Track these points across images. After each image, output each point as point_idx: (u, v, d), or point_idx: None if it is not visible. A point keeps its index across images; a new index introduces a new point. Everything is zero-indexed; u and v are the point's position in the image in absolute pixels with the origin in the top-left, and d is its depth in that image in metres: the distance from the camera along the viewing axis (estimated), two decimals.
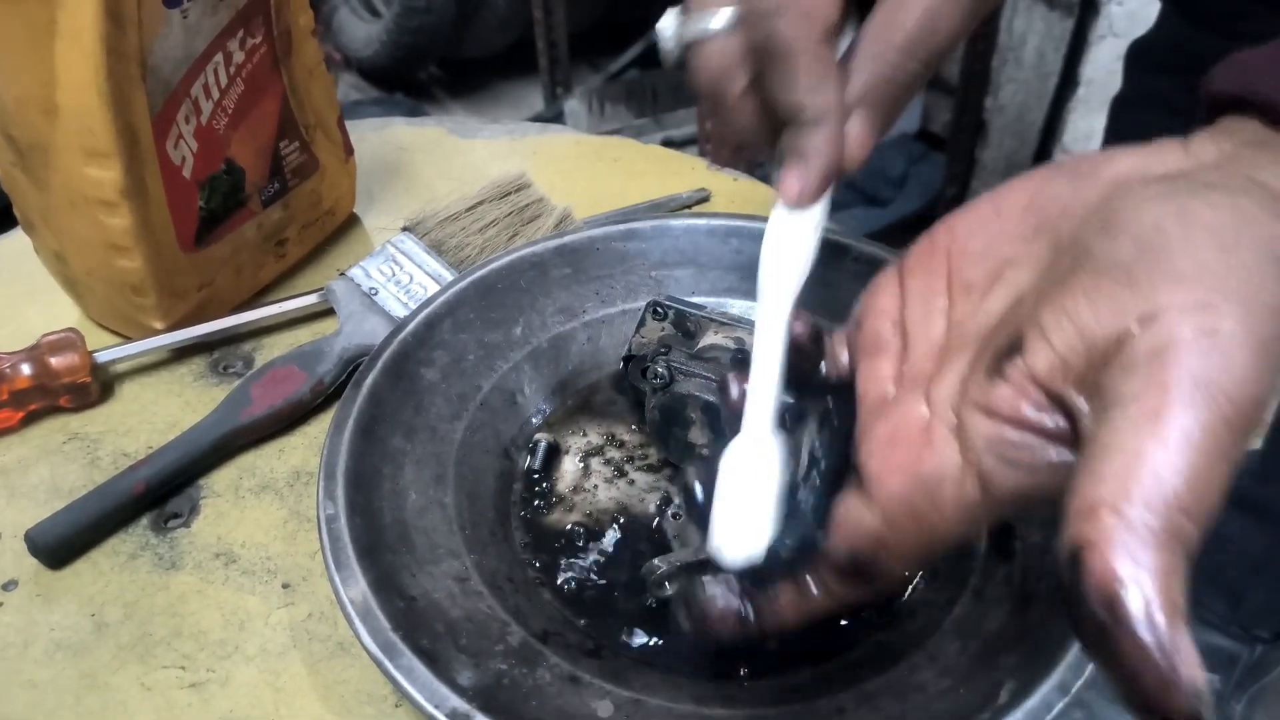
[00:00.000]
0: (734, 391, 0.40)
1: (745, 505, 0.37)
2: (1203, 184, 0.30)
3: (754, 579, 0.37)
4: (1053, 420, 0.29)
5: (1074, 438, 0.29)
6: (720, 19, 0.43)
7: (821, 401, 0.39)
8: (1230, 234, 0.28)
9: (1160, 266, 0.28)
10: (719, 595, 0.37)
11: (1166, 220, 0.29)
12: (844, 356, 0.40)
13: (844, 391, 0.39)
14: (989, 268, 0.36)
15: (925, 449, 0.33)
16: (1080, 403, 0.29)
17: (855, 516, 0.34)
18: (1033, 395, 0.30)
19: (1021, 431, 0.30)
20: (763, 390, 0.40)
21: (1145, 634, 0.24)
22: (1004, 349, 0.31)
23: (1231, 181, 0.30)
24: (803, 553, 0.36)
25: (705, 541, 0.37)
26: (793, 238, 0.43)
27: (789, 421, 0.40)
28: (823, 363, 0.41)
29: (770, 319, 0.41)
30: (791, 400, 0.40)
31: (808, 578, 0.36)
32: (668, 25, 0.44)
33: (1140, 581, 0.24)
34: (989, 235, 0.36)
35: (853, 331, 0.40)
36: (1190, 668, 0.24)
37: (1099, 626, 0.25)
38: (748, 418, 0.40)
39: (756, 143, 0.46)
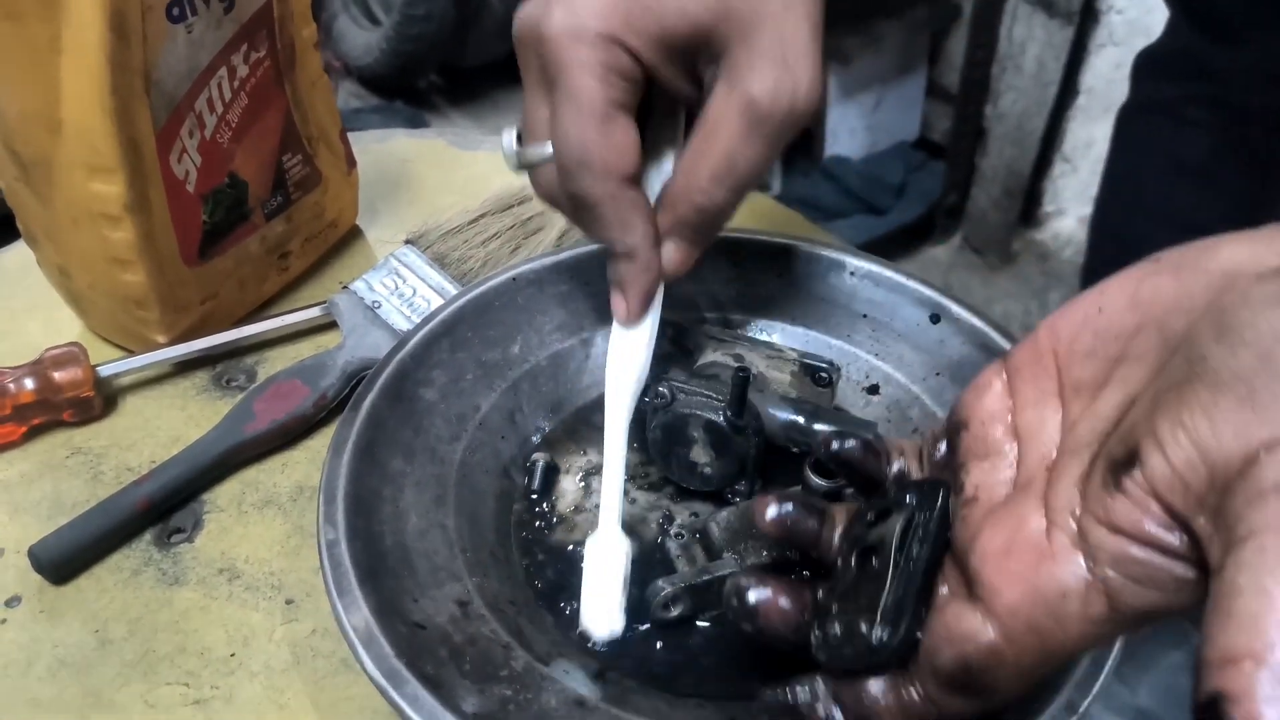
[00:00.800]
0: (771, 512, 0.41)
1: (602, 592, 0.45)
2: None
3: (846, 673, 0.36)
4: (1176, 537, 0.28)
5: (1198, 557, 0.28)
6: (544, 152, 0.47)
7: (905, 501, 0.38)
8: None
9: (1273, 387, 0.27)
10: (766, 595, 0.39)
11: None
12: (914, 458, 0.41)
13: (929, 489, 0.38)
14: (1098, 368, 0.34)
15: (1046, 560, 0.31)
16: (1203, 524, 0.27)
17: (967, 626, 0.33)
18: (1154, 510, 0.29)
19: (1145, 547, 0.29)
20: (610, 489, 0.48)
21: None
22: (1121, 459, 0.30)
23: None
24: (897, 653, 0.34)
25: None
26: (627, 350, 0.49)
27: (873, 516, 0.39)
28: (896, 462, 0.41)
29: (613, 422, 0.49)
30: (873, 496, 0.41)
31: (908, 685, 0.35)
32: (508, 143, 0.49)
33: None
34: (1095, 333, 0.35)
35: (958, 434, 0.38)
36: None
37: None
38: (601, 515, 0.47)
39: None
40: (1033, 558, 0.32)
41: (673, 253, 0.48)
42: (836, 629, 0.36)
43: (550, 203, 0.50)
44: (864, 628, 0.35)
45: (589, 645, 0.45)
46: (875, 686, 0.35)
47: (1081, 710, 0.38)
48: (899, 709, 0.35)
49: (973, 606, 0.33)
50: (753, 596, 0.39)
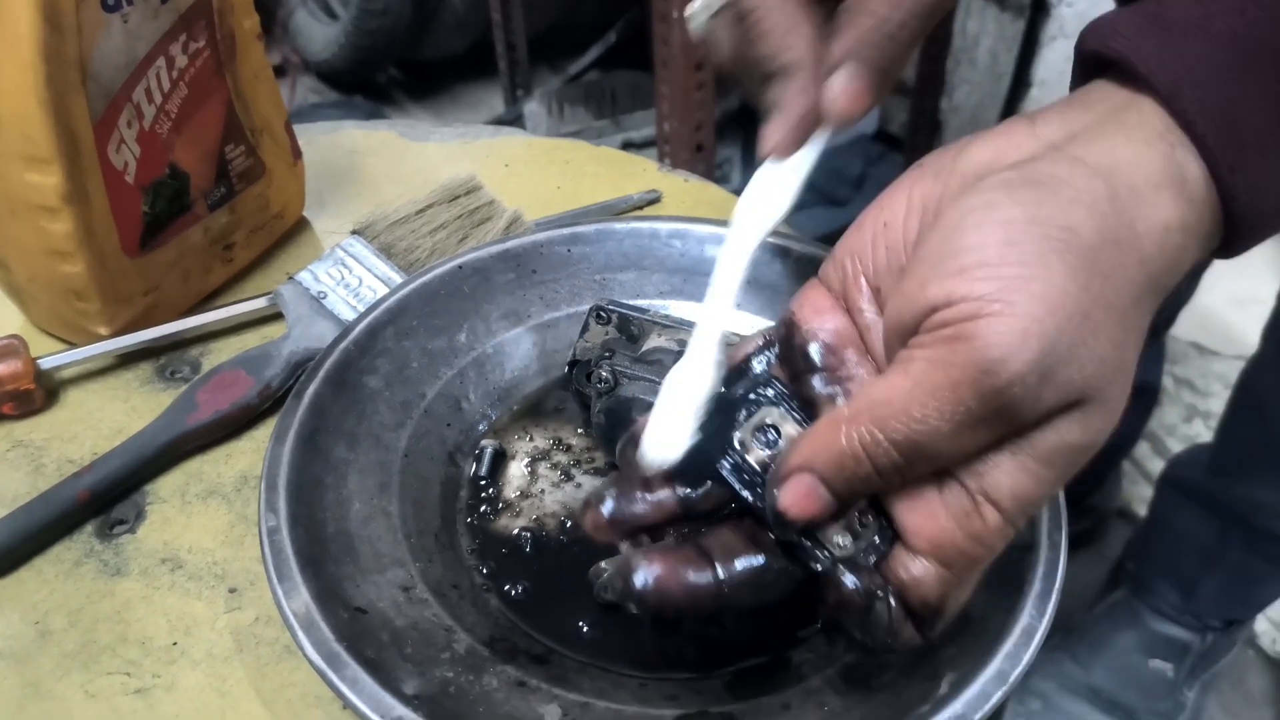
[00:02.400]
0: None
1: (673, 416, 0.40)
2: (1025, 178, 0.33)
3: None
4: None
5: None
6: None
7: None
8: (1020, 227, 0.32)
9: (950, 260, 0.32)
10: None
11: (970, 216, 0.33)
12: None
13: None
14: (897, 277, 0.37)
15: (945, 492, 0.35)
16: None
17: (919, 574, 0.35)
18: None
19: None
20: (714, 311, 0.43)
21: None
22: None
23: (1058, 169, 0.33)
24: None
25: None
26: (768, 185, 0.45)
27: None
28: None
29: (732, 256, 0.44)
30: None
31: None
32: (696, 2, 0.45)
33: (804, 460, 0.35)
34: (887, 246, 0.38)
35: (796, 342, 0.40)
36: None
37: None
38: (696, 342, 0.42)
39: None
40: (930, 491, 0.35)
41: (845, 81, 0.42)
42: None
43: (729, 65, 0.46)
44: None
45: (647, 467, 0.40)
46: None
47: (1012, 680, 0.39)
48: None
49: (913, 556, 0.35)
50: (640, 578, 0.38)
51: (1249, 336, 0.97)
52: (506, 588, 0.48)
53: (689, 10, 0.46)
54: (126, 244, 0.57)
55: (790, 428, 0.38)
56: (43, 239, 0.54)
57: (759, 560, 0.38)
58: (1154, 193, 0.33)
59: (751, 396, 0.39)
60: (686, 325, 0.55)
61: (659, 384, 0.49)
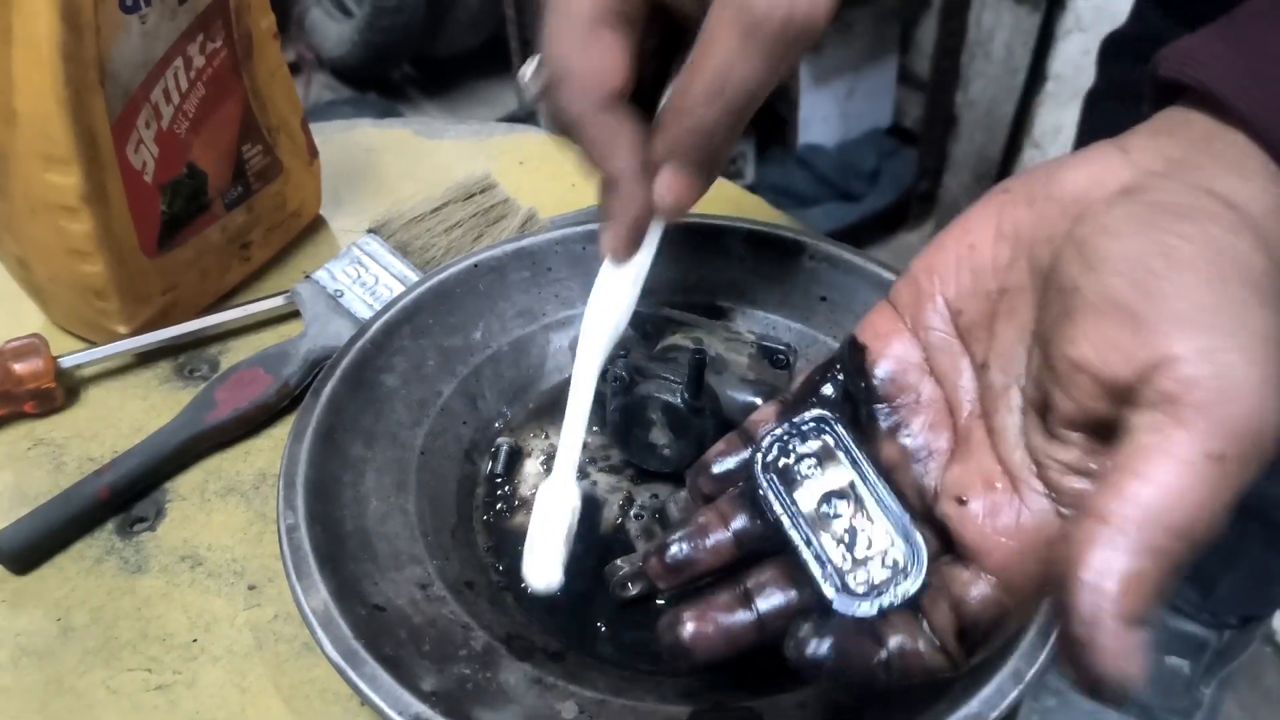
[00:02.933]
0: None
1: (545, 542, 0.42)
2: (1162, 210, 0.32)
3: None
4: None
5: None
6: (541, 74, 0.44)
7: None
8: (1213, 268, 0.30)
9: (1161, 309, 0.30)
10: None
11: (1151, 258, 0.31)
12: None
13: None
14: (983, 304, 0.37)
15: (1023, 513, 0.34)
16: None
17: (967, 588, 0.35)
18: (1088, 447, 0.32)
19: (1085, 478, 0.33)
20: (570, 438, 0.45)
21: (1081, 629, 0.27)
22: (1040, 408, 0.34)
23: (1192, 200, 0.32)
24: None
25: None
26: (609, 291, 0.46)
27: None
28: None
29: (582, 368, 0.45)
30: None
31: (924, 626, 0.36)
32: (523, 72, 0.46)
33: (1101, 581, 0.27)
34: (972, 271, 0.37)
35: (861, 359, 0.40)
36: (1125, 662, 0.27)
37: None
38: (557, 462, 0.44)
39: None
40: (1009, 512, 0.34)
41: (668, 182, 0.43)
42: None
43: (557, 132, 0.46)
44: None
45: (529, 592, 0.43)
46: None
47: (1028, 679, 0.39)
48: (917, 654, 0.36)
49: (963, 566, 0.35)
50: (686, 630, 0.38)
51: None
52: (523, 585, 0.48)
53: (521, 75, 0.46)
54: (145, 243, 0.57)
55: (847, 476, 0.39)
56: (62, 238, 0.54)
57: (794, 595, 0.38)
58: (1275, 224, 0.32)
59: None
60: (701, 323, 0.55)
61: (674, 382, 0.50)
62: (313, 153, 0.68)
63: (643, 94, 0.44)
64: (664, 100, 0.44)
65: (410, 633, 0.43)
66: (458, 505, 0.51)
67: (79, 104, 0.50)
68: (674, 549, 0.40)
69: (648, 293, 0.59)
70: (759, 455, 0.40)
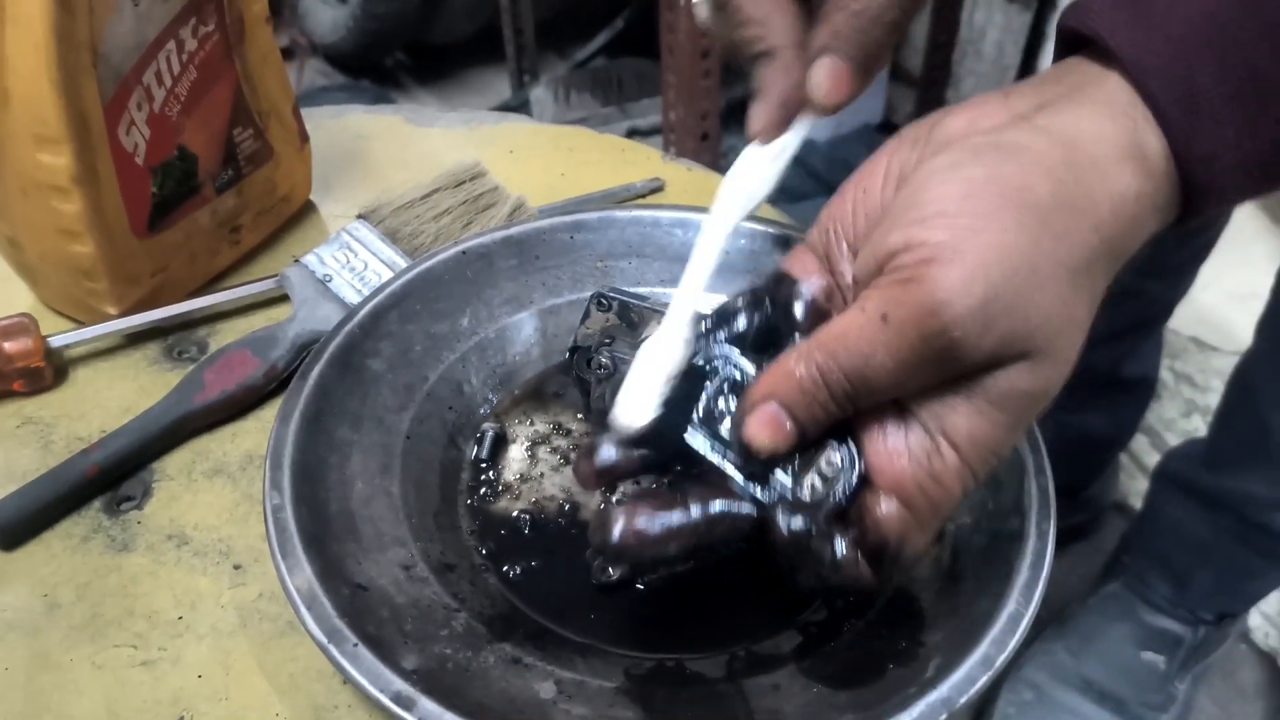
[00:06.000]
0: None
1: (645, 381, 0.41)
2: (990, 143, 0.35)
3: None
4: None
5: None
6: None
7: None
8: (979, 184, 0.34)
9: (910, 214, 0.35)
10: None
11: (935, 174, 0.35)
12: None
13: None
14: None
15: (908, 435, 0.37)
16: None
17: (878, 507, 0.37)
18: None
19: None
20: (689, 287, 0.44)
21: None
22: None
23: (1020, 136, 0.35)
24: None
25: None
26: (752, 165, 0.46)
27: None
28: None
29: (713, 228, 0.45)
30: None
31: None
32: None
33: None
34: (865, 214, 0.40)
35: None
36: None
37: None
38: (670, 311, 0.43)
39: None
40: (899, 436, 0.37)
41: (828, 70, 0.42)
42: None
43: (727, 51, 0.47)
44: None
45: (616, 431, 0.41)
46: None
47: (998, 664, 0.40)
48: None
49: (871, 489, 0.37)
50: (619, 526, 0.39)
51: (1248, 332, 0.98)
52: (505, 568, 0.49)
53: None
54: (135, 225, 0.57)
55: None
56: (53, 218, 0.54)
57: (732, 502, 0.39)
58: (1114, 164, 0.35)
59: (718, 365, 0.41)
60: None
61: None
62: (303, 138, 0.68)
63: None
64: None
65: (392, 612, 0.44)
66: (442, 489, 0.52)
67: (71, 85, 0.50)
68: (603, 452, 0.41)
69: (636, 282, 0.60)
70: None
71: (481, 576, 0.48)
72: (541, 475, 0.53)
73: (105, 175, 0.54)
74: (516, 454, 0.55)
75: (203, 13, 0.56)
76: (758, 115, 0.45)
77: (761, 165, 0.46)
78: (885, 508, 0.37)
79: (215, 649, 0.46)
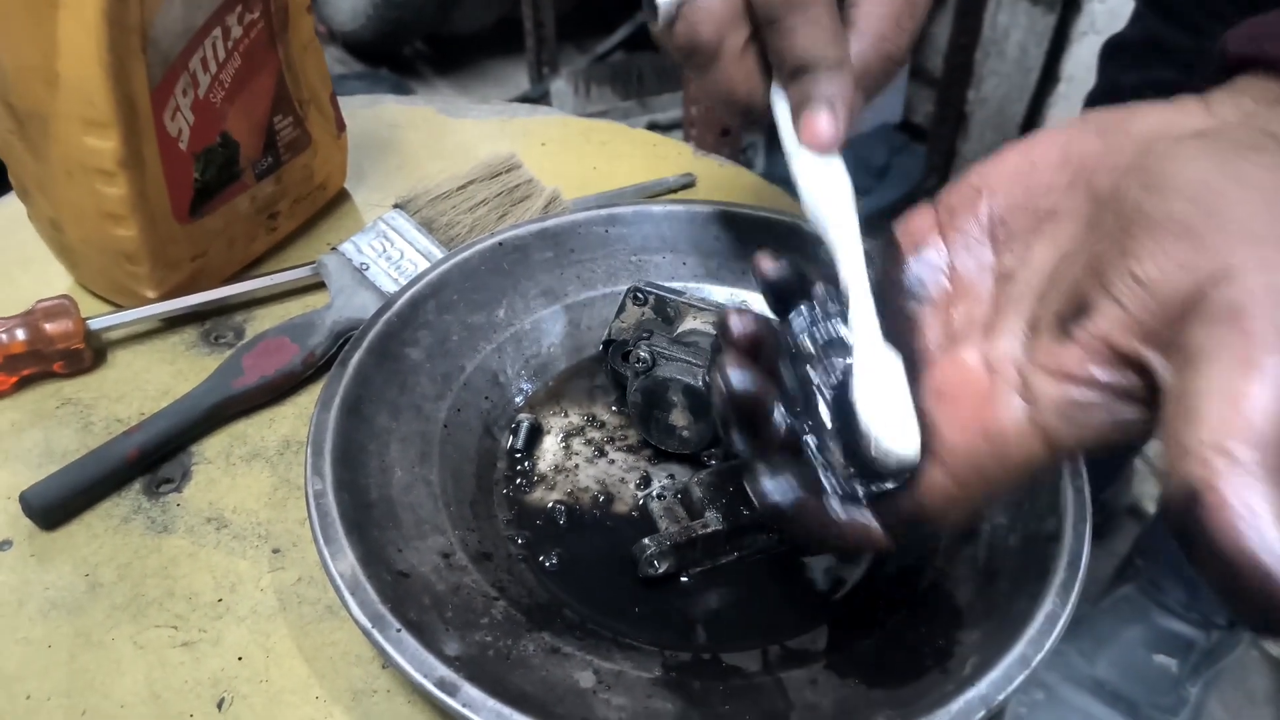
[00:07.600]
0: (735, 326, 0.40)
1: (891, 401, 0.37)
2: (1235, 142, 0.32)
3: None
4: (1125, 379, 0.31)
5: (1146, 394, 0.31)
6: None
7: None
8: (1276, 192, 0.30)
9: (1223, 225, 0.30)
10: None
11: (1216, 179, 0.31)
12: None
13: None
14: (1029, 220, 0.37)
15: (991, 408, 0.34)
16: (1157, 360, 0.30)
17: (922, 474, 0.36)
18: (1104, 356, 0.32)
19: (1091, 391, 0.32)
20: (862, 307, 0.41)
21: (1267, 560, 0.26)
22: (1069, 312, 0.33)
23: (1258, 140, 0.32)
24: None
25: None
26: (832, 176, 0.45)
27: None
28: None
29: (846, 243, 0.43)
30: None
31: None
32: None
33: (1258, 516, 0.26)
34: (1027, 188, 0.37)
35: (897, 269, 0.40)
36: None
37: (1223, 559, 0.26)
38: (859, 335, 0.40)
39: (747, 112, 0.47)
40: (978, 406, 0.35)
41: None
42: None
43: (712, 43, 0.45)
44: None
45: (884, 464, 0.37)
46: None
47: (1035, 664, 0.40)
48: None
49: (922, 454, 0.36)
50: (734, 380, 0.38)
51: None
52: (541, 558, 0.49)
53: None
54: (177, 210, 0.58)
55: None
56: (97, 201, 0.55)
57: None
58: None
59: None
60: (722, 309, 0.56)
61: (696, 365, 0.51)
62: (340, 126, 0.69)
63: None
64: None
65: (433, 599, 0.44)
66: (478, 478, 0.52)
67: (121, 69, 0.51)
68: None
69: (670, 277, 0.60)
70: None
71: (518, 566, 0.49)
72: (576, 466, 0.54)
73: (150, 160, 0.55)
74: (551, 445, 0.55)
75: (249, 0, 0.57)
76: (830, 124, 0.44)
77: (840, 173, 0.45)
78: (931, 477, 0.36)
79: (255, 631, 0.47)
